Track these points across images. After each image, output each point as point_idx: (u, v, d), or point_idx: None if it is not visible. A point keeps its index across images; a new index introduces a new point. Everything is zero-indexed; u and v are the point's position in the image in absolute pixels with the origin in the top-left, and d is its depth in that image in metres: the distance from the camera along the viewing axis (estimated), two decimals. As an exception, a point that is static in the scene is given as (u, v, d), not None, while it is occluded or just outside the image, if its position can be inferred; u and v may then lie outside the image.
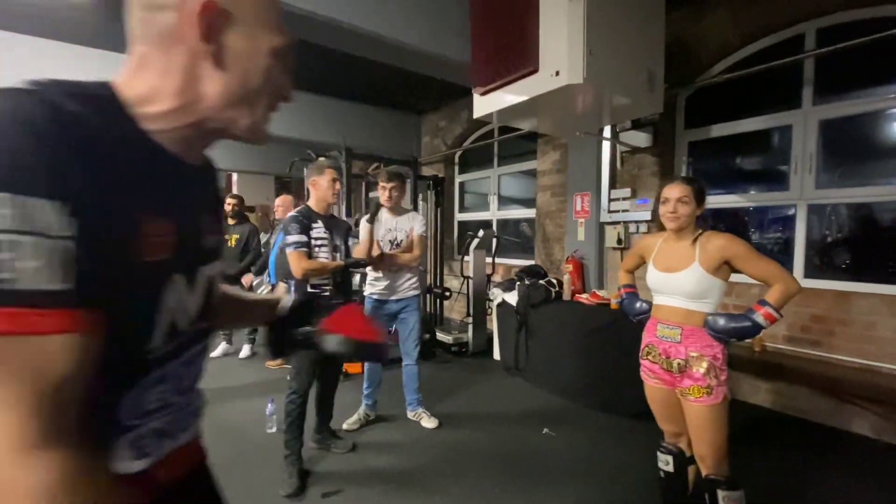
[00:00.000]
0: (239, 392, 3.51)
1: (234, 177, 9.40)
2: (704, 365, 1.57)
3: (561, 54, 2.32)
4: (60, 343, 0.39)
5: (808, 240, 3.04)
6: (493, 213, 5.60)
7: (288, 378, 2.32)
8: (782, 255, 3.17)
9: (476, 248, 4.32)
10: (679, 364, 1.62)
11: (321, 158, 3.49)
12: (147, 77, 0.51)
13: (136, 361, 0.52)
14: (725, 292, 1.65)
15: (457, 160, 6.19)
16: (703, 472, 1.64)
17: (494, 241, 4.63)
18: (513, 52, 2.53)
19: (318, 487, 2.17)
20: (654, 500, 1.86)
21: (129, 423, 0.53)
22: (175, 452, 0.61)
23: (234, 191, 9.51)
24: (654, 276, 1.73)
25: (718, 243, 1.58)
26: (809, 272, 3.03)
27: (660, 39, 2.75)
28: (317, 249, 2.33)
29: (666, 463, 1.75)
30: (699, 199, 1.64)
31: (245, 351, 4.40)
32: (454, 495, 2.10)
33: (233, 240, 4.30)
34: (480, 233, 4.38)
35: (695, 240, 1.63)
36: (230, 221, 4.39)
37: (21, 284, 0.37)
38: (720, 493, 1.57)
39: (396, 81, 4.75)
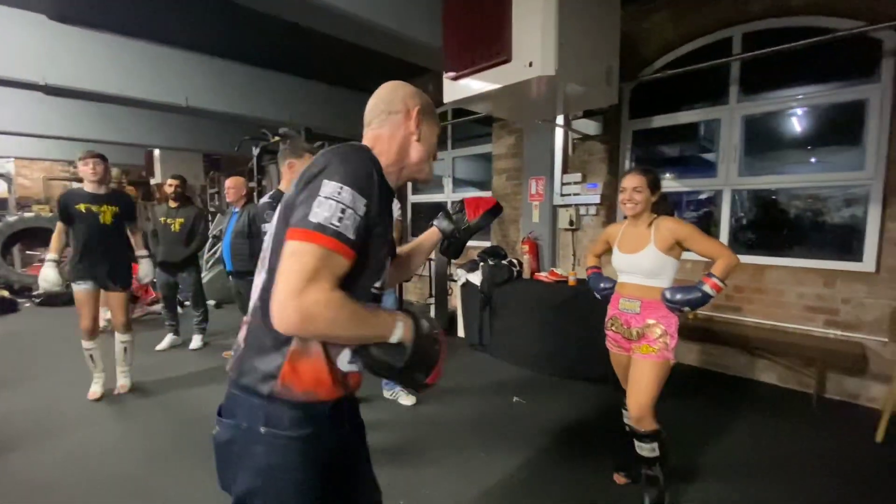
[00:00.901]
0: (201, 382, 3.36)
1: (156, 153, 8.53)
2: (658, 331, 1.80)
3: (534, 45, 2.43)
4: (342, 260, 0.78)
5: (732, 220, 3.51)
6: (448, 196, 5.70)
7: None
8: (707, 232, 3.62)
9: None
10: (637, 331, 1.85)
11: (300, 141, 3.34)
12: (380, 145, 0.97)
13: (373, 292, 0.94)
14: (680, 270, 1.89)
15: (408, 141, 6.16)
16: (628, 423, 1.93)
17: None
18: (486, 40, 2.60)
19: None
20: (619, 448, 2.13)
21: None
22: (357, 373, 0.94)
23: (157, 169, 8.65)
24: (617, 258, 1.96)
25: (669, 226, 1.81)
26: (732, 249, 3.49)
27: (616, 35, 2.96)
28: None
29: (627, 418, 1.99)
30: (653, 187, 1.87)
31: (196, 342, 4.17)
32: (446, 465, 2.24)
33: (177, 224, 4.00)
34: (440, 215, 4.45)
35: (650, 224, 1.87)
36: (173, 204, 4.07)
37: (342, 230, 0.76)
38: (635, 443, 1.86)
39: (349, 59, 4.60)
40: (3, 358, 3.98)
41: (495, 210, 1.26)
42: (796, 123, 3.33)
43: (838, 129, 3.13)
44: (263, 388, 0.83)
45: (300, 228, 0.75)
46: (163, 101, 4.27)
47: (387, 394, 3.01)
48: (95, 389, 3.05)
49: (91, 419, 2.79)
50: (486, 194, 5.09)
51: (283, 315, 0.73)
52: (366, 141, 0.98)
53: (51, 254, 2.83)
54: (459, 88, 2.88)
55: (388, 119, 0.97)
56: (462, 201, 1.26)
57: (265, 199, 2.31)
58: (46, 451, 2.40)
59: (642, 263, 1.85)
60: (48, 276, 2.80)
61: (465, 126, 5.22)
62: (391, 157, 0.96)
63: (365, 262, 0.85)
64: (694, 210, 3.88)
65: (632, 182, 1.87)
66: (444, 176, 5.75)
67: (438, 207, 5.61)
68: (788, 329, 3.15)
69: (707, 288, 1.74)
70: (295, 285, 0.72)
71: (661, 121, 3.80)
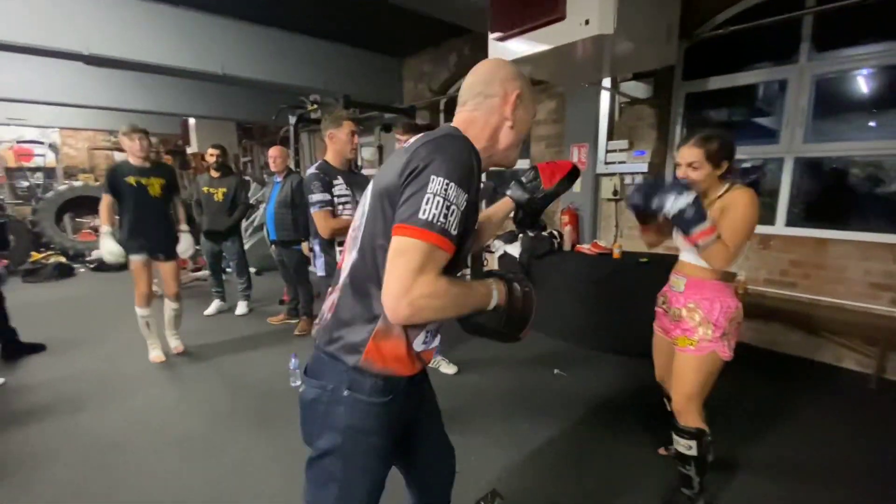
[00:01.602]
0: (250, 347, 3.50)
1: (192, 122, 8.65)
2: (696, 317, 1.60)
3: (591, 2, 2.26)
4: (445, 254, 0.80)
5: (792, 191, 3.28)
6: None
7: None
8: (761, 204, 3.42)
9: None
10: (675, 312, 1.68)
11: (339, 110, 3.30)
12: (473, 128, 0.94)
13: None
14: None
15: (442, 107, 6.00)
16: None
17: (491, 192, 4.63)
18: (538, -3, 2.42)
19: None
20: (663, 422, 2.10)
21: None
22: (430, 350, 0.99)
23: (192, 138, 8.79)
24: (676, 232, 1.73)
25: (731, 198, 1.53)
26: (791, 221, 3.29)
27: (677, -12, 2.72)
28: (340, 207, 2.28)
29: (669, 400, 1.90)
30: (715, 159, 1.53)
31: (241, 308, 4.33)
32: (491, 434, 2.28)
33: (219, 193, 4.07)
34: (513, 184, 4.36)
35: (719, 197, 1.57)
36: (214, 174, 4.13)
37: (447, 226, 0.78)
38: (674, 437, 1.69)
39: (378, 21, 4.43)
40: (65, 321, 4.25)
41: (573, 174, 1.19)
42: (873, 84, 3.02)
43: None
44: (349, 360, 0.89)
45: (410, 226, 0.77)
46: (200, 69, 4.26)
47: (428, 363, 3.06)
48: (158, 354, 3.22)
49: (151, 381, 2.96)
50: (523, 163, 4.93)
51: (397, 310, 0.77)
52: (457, 121, 0.96)
53: (106, 226, 2.92)
54: (506, 50, 2.73)
55: (484, 102, 0.94)
56: (535, 167, 1.20)
57: (312, 169, 2.28)
58: (113, 411, 2.57)
59: None
60: (112, 249, 2.90)
61: (502, 91, 5.01)
62: (482, 142, 0.94)
63: (460, 252, 0.87)
64: (741, 178, 3.64)
65: (687, 156, 1.56)
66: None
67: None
68: (849, 307, 2.98)
69: (707, 222, 1.43)
70: (406, 283, 0.76)
71: (718, 82, 3.52)
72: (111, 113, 6.71)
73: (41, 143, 8.46)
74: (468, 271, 4.65)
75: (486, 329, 0.96)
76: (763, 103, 3.50)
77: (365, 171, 3.93)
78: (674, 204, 1.43)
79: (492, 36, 2.75)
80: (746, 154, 3.53)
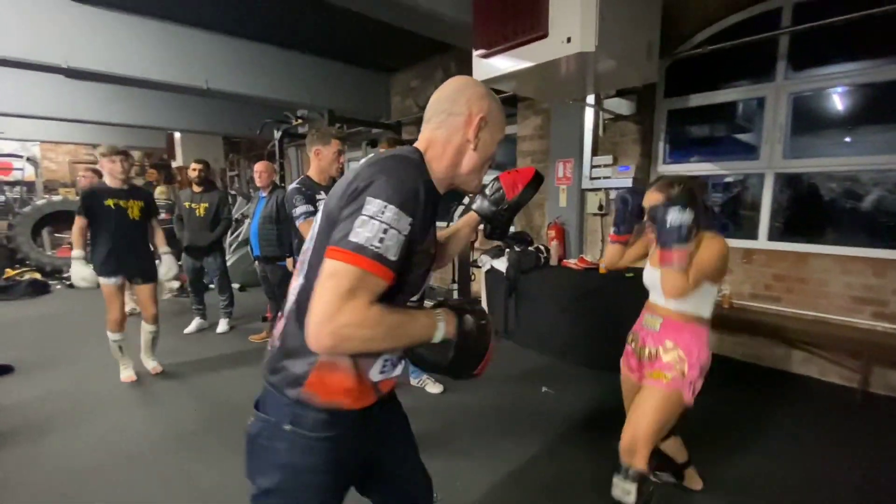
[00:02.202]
0: (230, 366, 3.40)
1: (177, 136, 8.56)
2: (673, 355, 1.55)
3: (573, 19, 2.28)
4: (380, 280, 0.74)
5: (773, 205, 3.33)
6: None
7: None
8: (738, 219, 3.47)
9: (461, 215, 4.31)
10: (650, 352, 1.62)
11: (327, 127, 3.28)
12: (435, 148, 0.90)
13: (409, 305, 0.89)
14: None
15: (429, 123, 6.02)
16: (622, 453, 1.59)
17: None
18: (521, 15, 2.45)
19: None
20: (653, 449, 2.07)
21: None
22: (390, 380, 0.94)
23: (178, 151, 8.70)
24: (647, 273, 1.69)
25: (703, 242, 1.50)
26: (773, 235, 3.33)
27: (658, 7, 2.78)
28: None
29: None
30: (681, 203, 1.43)
31: (223, 325, 4.22)
32: (477, 456, 2.21)
33: (201, 209, 4.00)
34: (466, 199, 4.35)
35: None
36: (196, 189, 4.06)
37: (382, 251, 0.72)
38: (613, 479, 1.54)
39: (365, 36, 4.46)
40: (36, 341, 4.09)
41: (536, 181, 1.15)
42: (848, 101, 3.10)
43: (896, 108, 2.90)
44: (290, 392, 0.84)
45: (340, 248, 0.72)
46: (183, 83, 4.23)
47: (413, 381, 2.99)
48: (129, 373, 3.11)
49: (123, 401, 2.84)
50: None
51: (318, 338, 0.71)
52: (421, 139, 0.92)
53: (78, 250, 2.82)
54: (489, 67, 2.75)
55: (447, 120, 0.89)
56: (497, 178, 1.16)
57: (294, 184, 2.25)
58: (82, 435, 2.45)
59: None
60: (85, 275, 2.81)
61: (488, 106, 5.04)
62: (443, 162, 0.90)
63: (404, 279, 0.81)
64: (722, 193, 3.70)
65: (651, 200, 1.55)
66: (465, 158, 5.62)
67: (460, 193, 5.50)
68: (832, 320, 3.00)
69: (686, 245, 1.41)
70: (329, 308, 0.70)
71: (699, 99, 3.59)
72: (94, 126, 6.61)
73: (20, 156, 8.28)
74: (455, 286, 4.61)
75: (430, 363, 0.90)
76: (743, 120, 3.56)
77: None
78: (677, 216, 1.39)
79: (476, 52, 2.77)
80: (728, 169, 3.58)
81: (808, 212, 3.27)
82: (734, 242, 3.42)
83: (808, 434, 2.41)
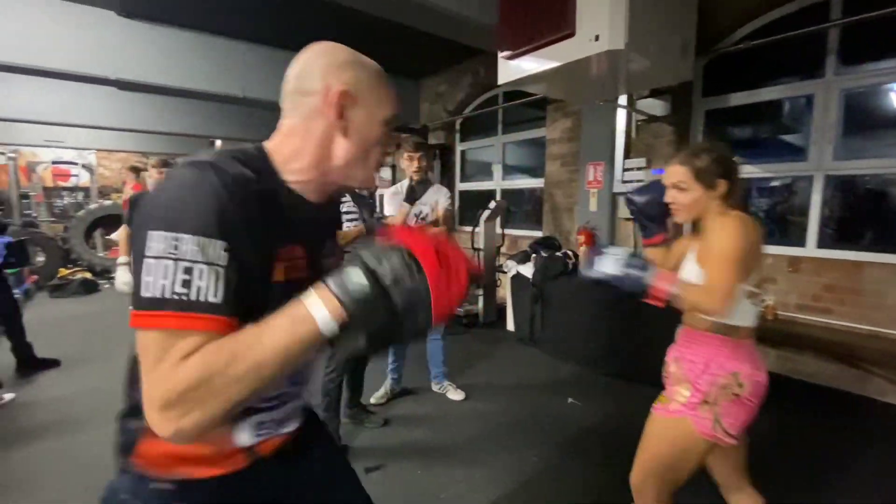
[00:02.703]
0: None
1: (217, 143, 8.97)
2: (678, 375, 1.28)
3: (601, 16, 2.21)
4: (205, 335, 0.54)
5: (823, 210, 3.09)
6: (498, 183, 5.52)
7: (326, 357, 2.28)
8: (783, 225, 3.24)
9: (486, 219, 4.26)
10: (666, 370, 1.38)
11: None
12: (293, 142, 0.69)
13: None
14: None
15: (458, 127, 6.02)
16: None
17: (504, 211, 4.57)
18: (547, 14, 2.40)
19: (359, 463, 2.17)
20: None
21: (256, 407, 0.71)
22: (280, 436, 0.77)
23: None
24: (682, 273, 1.35)
25: (715, 226, 1.20)
26: (823, 242, 3.09)
27: (693, 4, 2.66)
28: (348, 224, 2.26)
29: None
30: (707, 178, 1.21)
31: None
32: (495, 467, 2.14)
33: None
34: (492, 204, 4.31)
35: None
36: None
37: (192, 296, 0.54)
38: None
39: (395, 44, 4.50)
40: (83, 336, 4.32)
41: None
42: (910, 97, 2.85)
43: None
44: (120, 461, 0.70)
45: (134, 311, 0.54)
46: (221, 91, 4.40)
47: (435, 387, 2.95)
48: None
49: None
50: (537, 183, 4.85)
51: (162, 432, 0.53)
52: (276, 133, 0.71)
53: (123, 257, 2.98)
54: (515, 69, 2.71)
55: (300, 103, 0.68)
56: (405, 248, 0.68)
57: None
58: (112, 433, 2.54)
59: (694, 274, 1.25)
60: (127, 280, 2.96)
61: (515, 109, 4.99)
62: (305, 158, 0.68)
63: (261, 314, 0.56)
64: (766, 198, 3.48)
65: (671, 175, 1.26)
66: (493, 163, 5.57)
67: (488, 196, 5.46)
68: (891, 336, 2.75)
69: (649, 275, 1.13)
70: (152, 396, 0.52)
71: (740, 98, 3.40)
72: (144, 135, 7.01)
73: (76, 163, 8.87)
74: (480, 292, 4.55)
75: (351, 355, 0.61)
76: (789, 119, 3.35)
77: (380, 191, 3.92)
78: (609, 264, 1.17)
79: (501, 54, 2.73)
80: (772, 172, 3.37)
81: (862, 217, 3.02)
82: (780, 249, 3.21)
83: (871, 460, 2.19)
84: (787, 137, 3.35)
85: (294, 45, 3.66)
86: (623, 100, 3.57)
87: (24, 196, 8.08)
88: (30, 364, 3.35)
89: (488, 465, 2.16)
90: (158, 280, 0.53)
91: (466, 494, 1.94)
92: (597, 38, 2.21)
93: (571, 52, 2.35)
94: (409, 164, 2.66)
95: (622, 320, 3.11)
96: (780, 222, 3.39)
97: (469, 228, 4.48)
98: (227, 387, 0.52)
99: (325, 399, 2.21)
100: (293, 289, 0.60)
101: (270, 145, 0.70)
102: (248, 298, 0.58)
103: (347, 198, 2.29)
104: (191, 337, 0.53)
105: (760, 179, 3.44)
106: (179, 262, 0.53)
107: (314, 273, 0.67)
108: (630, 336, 3.05)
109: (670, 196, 1.27)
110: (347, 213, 2.26)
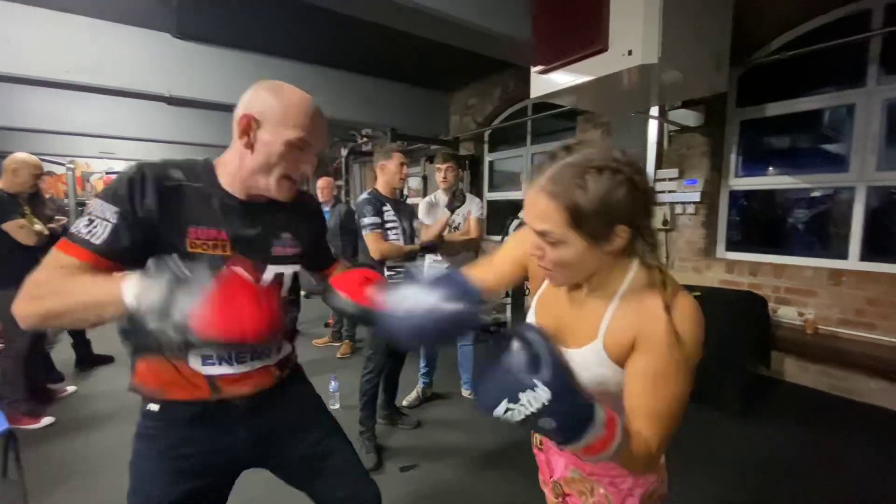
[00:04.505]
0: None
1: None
2: (595, 494, 0.88)
3: (635, 32, 2.26)
4: (76, 262, 0.77)
5: (866, 222, 3.01)
6: (526, 193, 5.56)
7: (364, 357, 2.37)
8: (824, 237, 3.16)
9: (516, 228, 4.32)
10: (556, 486, 0.97)
11: (389, 143, 3.47)
12: (227, 155, 0.94)
13: None
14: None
15: (486, 138, 6.12)
16: None
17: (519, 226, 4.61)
18: (580, 29, 2.46)
19: (394, 462, 2.26)
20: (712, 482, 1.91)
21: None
22: (231, 376, 0.94)
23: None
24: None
25: (651, 317, 0.70)
26: (866, 255, 3.00)
27: (728, 14, 2.68)
28: (389, 232, 2.35)
29: None
30: (595, 227, 0.68)
31: (288, 329, 4.49)
32: (531, 475, 2.17)
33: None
34: (521, 213, 4.36)
35: (614, 293, 0.76)
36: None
37: (81, 235, 0.78)
38: None
39: (426, 59, 4.66)
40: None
41: (366, 318, 0.98)
42: (960, 106, 2.77)
43: None
44: (130, 385, 0.95)
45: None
46: (263, 106, 4.64)
47: (466, 393, 3.00)
48: None
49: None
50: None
51: (16, 303, 0.75)
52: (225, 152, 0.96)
53: None
54: (547, 82, 2.78)
55: (233, 126, 0.90)
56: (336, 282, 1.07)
57: (363, 195, 2.40)
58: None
59: (581, 365, 0.72)
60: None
61: (544, 120, 5.04)
62: (229, 168, 0.93)
63: (149, 253, 0.84)
64: (805, 209, 3.40)
65: (530, 212, 0.74)
66: (521, 172, 5.63)
67: (516, 206, 5.52)
68: (942, 352, 2.64)
69: (601, 416, 0.60)
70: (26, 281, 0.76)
71: (777, 108, 3.36)
72: (186, 147, 7.41)
73: (126, 174, 9.44)
74: (508, 299, 4.58)
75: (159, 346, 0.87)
76: (829, 129, 3.29)
77: (410, 200, 4.05)
78: (516, 412, 0.58)
79: (534, 69, 2.80)
80: (811, 183, 3.30)
81: (909, 229, 2.93)
82: (820, 262, 3.14)
83: (910, 480, 2.12)
84: (827, 147, 3.28)
85: (330, 62, 3.92)
86: (655, 110, 3.58)
87: (80, 204, 8.64)
88: (87, 360, 3.60)
89: (522, 470, 2.19)
90: (76, 225, 0.79)
91: (501, 498, 1.99)
92: (630, 52, 2.27)
93: (604, 67, 2.40)
94: (437, 175, 2.76)
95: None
96: (821, 234, 3.31)
97: (496, 238, 4.54)
98: (37, 297, 0.75)
99: (363, 399, 2.31)
100: (207, 260, 0.86)
101: (218, 158, 0.95)
102: (156, 254, 0.83)
103: (389, 207, 2.39)
104: (67, 258, 0.77)
105: (799, 190, 3.38)
106: (88, 215, 0.79)
107: (243, 253, 0.92)
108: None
109: (533, 248, 0.76)
110: (388, 221, 2.36)
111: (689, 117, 3.56)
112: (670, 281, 0.72)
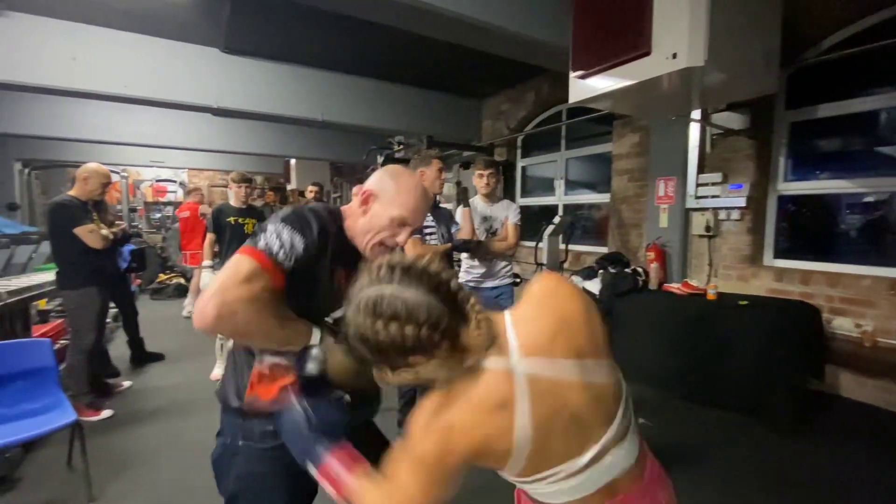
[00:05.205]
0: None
1: (293, 162, 9.70)
2: None
3: (680, 34, 2.21)
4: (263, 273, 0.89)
5: (931, 228, 2.82)
6: (560, 198, 5.51)
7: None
8: (881, 245, 2.98)
9: (550, 234, 4.28)
10: None
11: (427, 150, 3.55)
12: (349, 211, 1.10)
13: (311, 313, 1.00)
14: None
15: (519, 144, 6.10)
16: None
17: (569, 227, 4.55)
18: (621, 33, 2.44)
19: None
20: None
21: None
22: None
23: (293, 175, 9.82)
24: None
25: None
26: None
27: (777, 14, 2.59)
28: (428, 237, 2.39)
29: None
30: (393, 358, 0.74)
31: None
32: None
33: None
34: (556, 219, 4.32)
35: None
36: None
37: (280, 258, 0.90)
38: None
39: (459, 66, 4.71)
40: (181, 334, 4.82)
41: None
42: None
43: None
44: (235, 402, 1.00)
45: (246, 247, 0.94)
46: (304, 116, 4.81)
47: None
48: (217, 372, 3.48)
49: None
50: (601, 198, 4.79)
51: (204, 311, 0.83)
52: (349, 204, 1.14)
53: (207, 261, 3.35)
54: (585, 87, 2.75)
55: (359, 195, 1.09)
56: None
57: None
58: (215, 418, 2.83)
59: None
60: (206, 281, 3.31)
61: (578, 125, 4.99)
62: (349, 220, 1.09)
63: (317, 295, 1.00)
64: (860, 214, 3.22)
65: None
66: (555, 178, 5.58)
67: (549, 211, 5.47)
68: None
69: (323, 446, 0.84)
70: (224, 284, 0.85)
71: (830, 110, 3.21)
72: (227, 155, 7.76)
73: (174, 181, 9.94)
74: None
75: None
76: (886, 130, 3.11)
77: (446, 204, 4.08)
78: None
79: (573, 74, 2.79)
80: (868, 187, 3.13)
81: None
82: (879, 271, 2.97)
83: None
84: (886, 150, 3.10)
85: (367, 72, 4.04)
86: (696, 114, 3.49)
87: (132, 209, 9.16)
88: (140, 356, 3.81)
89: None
90: (262, 242, 0.91)
91: None
92: (675, 55, 2.22)
93: (647, 70, 2.36)
94: (478, 181, 2.78)
95: (697, 342, 2.99)
96: (878, 241, 3.13)
97: (530, 244, 4.51)
98: (253, 321, 0.86)
99: (401, 400, 2.35)
100: (339, 290, 0.97)
101: (344, 207, 1.12)
102: (312, 283, 0.98)
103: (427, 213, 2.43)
104: (265, 276, 0.88)
105: (852, 195, 3.21)
106: (276, 240, 0.92)
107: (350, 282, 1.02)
108: (706, 359, 2.92)
109: None
110: (427, 227, 2.40)
111: (733, 120, 3.45)
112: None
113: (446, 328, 0.71)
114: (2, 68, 3.49)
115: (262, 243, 0.90)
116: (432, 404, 0.73)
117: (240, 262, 0.87)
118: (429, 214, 2.42)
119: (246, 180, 3.48)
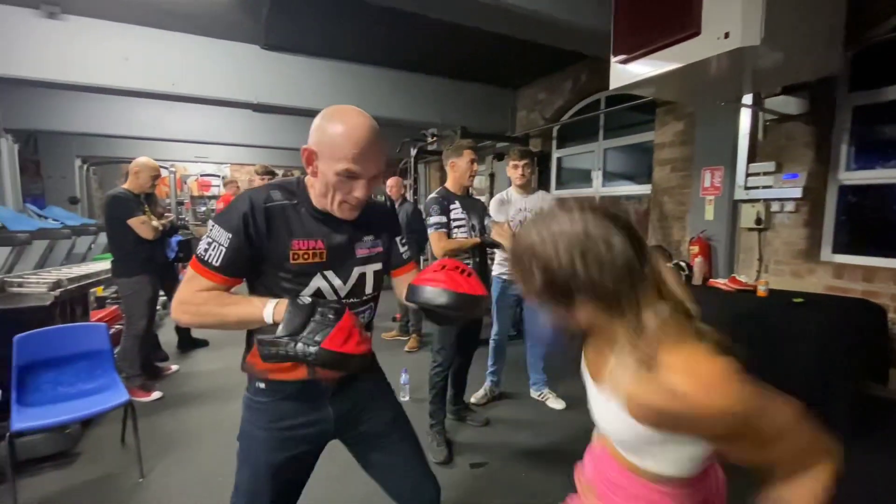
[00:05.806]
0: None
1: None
2: None
3: (733, 11, 2.07)
4: (206, 282, 0.98)
5: None
6: (597, 189, 5.34)
7: (432, 352, 2.41)
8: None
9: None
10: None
11: (459, 140, 3.53)
12: (313, 179, 1.05)
13: (277, 288, 1.05)
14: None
15: (555, 134, 5.95)
16: None
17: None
18: (668, 12, 2.31)
19: (465, 458, 2.27)
20: None
21: None
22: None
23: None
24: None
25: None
26: None
27: (842, -16, 2.37)
28: (456, 230, 2.37)
29: None
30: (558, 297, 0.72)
31: (359, 322, 4.70)
32: (604, 479, 2.08)
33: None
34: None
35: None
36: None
37: (209, 259, 0.97)
38: None
39: (494, 56, 4.62)
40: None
41: (466, 304, 1.02)
42: None
43: None
44: (243, 365, 1.13)
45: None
46: (339, 109, 4.87)
47: (534, 394, 2.95)
48: None
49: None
50: (641, 189, 4.61)
51: (173, 314, 1.02)
52: None
53: None
54: (627, 73, 2.63)
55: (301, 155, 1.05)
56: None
57: (433, 194, 2.43)
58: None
59: (605, 420, 0.82)
60: None
61: (617, 113, 4.80)
62: (312, 188, 1.06)
63: (278, 279, 1.03)
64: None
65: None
66: (592, 169, 5.41)
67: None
68: None
69: None
70: (175, 298, 1.00)
71: (901, 91, 2.93)
72: (267, 150, 7.99)
73: (217, 175, 10.36)
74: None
75: (273, 346, 0.90)
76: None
77: (479, 196, 4.04)
78: None
79: (614, 59, 2.67)
80: (946, 176, 2.85)
81: None
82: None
83: None
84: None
85: (400, 64, 4.04)
86: (748, 98, 3.27)
87: (180, 203, 9.63)
88: (187, 342, 4.00)
89: (595, 476, 2.11)
90: (201, 246, 0.99)
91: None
92: (727, 35, 2.08)
93: (696, 52, 2.22)
94: (513, 171, 2.72)
95: (747, 340, 2.82)
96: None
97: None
98: (201, 315, 0.98)
99: (433, 391, 2.35)
100: (306, 270, 1.03)
101: (307, 177, 1.07)
102: (264, 268, 1.02)
103: (457, 205, 2.40)
104: (206, 282, 0.97)
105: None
106: (208, 237, 0.98)
107: (334, 258, 1.06)
108: (756, 357, 2.75)
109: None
110: (456, 219, 2.38)
111: (789, 104, 3.21)
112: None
113: (636, 280, 0.70)
114: (58, 69, 3.71)
115: (199, 247, 0.98)
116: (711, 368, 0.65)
117: (188, 269, 0.99)
118: (458, 206, 2.39)
119: (269, 172, 3.56)
